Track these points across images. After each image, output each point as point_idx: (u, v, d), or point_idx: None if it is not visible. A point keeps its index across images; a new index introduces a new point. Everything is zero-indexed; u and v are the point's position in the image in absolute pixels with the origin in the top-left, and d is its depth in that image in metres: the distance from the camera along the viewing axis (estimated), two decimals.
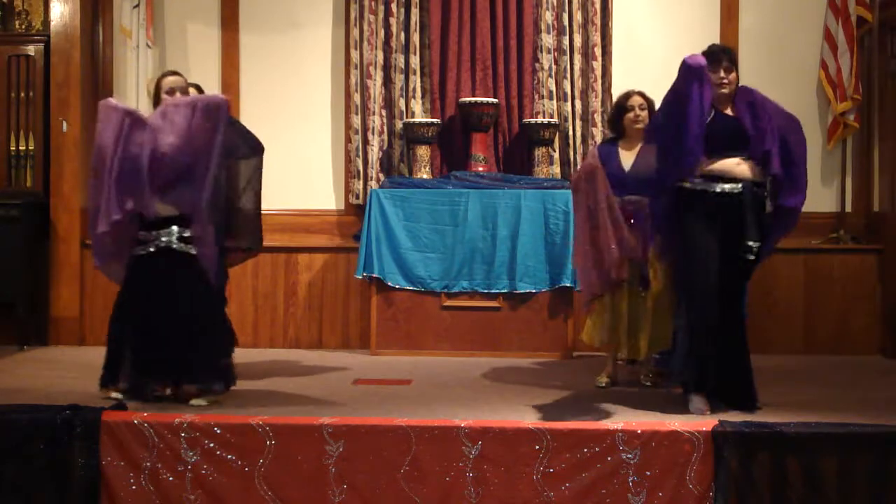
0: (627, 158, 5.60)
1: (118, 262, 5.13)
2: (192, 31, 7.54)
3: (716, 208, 4.84)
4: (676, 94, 4.77)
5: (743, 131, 4.88)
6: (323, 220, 7.48)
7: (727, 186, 4.85)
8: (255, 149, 5.79)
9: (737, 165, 4.87)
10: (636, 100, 5.66)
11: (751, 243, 4.83)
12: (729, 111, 4.96)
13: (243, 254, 5.83)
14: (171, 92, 5.08)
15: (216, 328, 5.13)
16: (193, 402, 4.98)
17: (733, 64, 4.96)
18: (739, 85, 4.98)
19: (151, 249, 5.02)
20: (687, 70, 4.71)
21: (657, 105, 5.23)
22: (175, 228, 5.01)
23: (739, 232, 4.84)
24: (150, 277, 5.02)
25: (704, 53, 4.91)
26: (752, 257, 4.85)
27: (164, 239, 5.01)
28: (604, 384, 5.64)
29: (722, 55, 4.93)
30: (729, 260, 4.86)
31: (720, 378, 4.88)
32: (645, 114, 5.60)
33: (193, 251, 5.01)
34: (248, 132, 5.78)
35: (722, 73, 4.91)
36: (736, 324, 4.95)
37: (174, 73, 5.29)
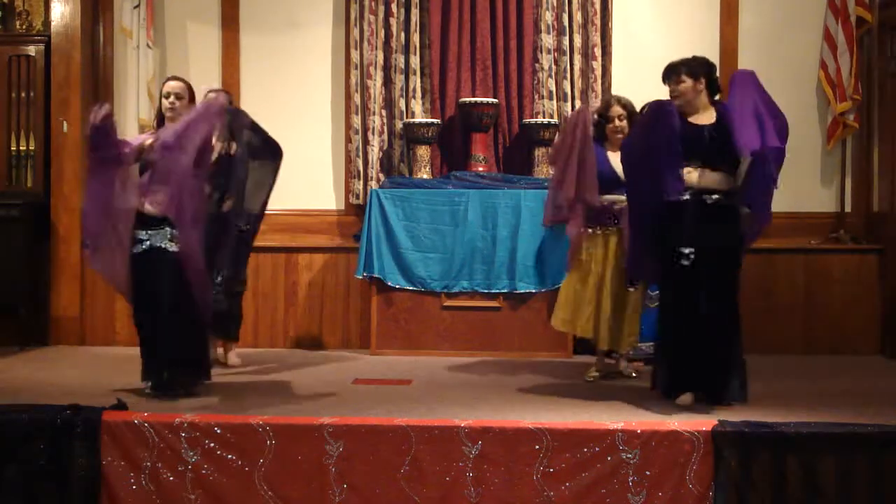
0: (614, 160, 5.63)
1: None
2: (192, 31, 7.53)
3: (671, 218, 4.89)
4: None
5: (700, 139, 4.90)
6: (323, 220, 7.48)
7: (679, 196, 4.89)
8: (275, 153, 5.88)
9: (688, 174, 4.88)
10: (615, 110, 5.75)
11: (682, 250, 4.86)
12: (703, 120, 4.99)
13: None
14: (167, 95, 5.23)
15: (193, 327, 5.20)
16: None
17: (690, 75, 4.98)
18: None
19: (145, 248, 5.11)
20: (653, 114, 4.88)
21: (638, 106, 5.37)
22: (168, 229, 5.10)
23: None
24: (142, 276, 5.11)
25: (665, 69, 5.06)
26: (685, 263, 4.85)
27: (156, 238, 5.11)
28: (592, 378, 5.84)
29: (681, 68, 5.00)
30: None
31: (698, 373, 4.94)
32: (625, 123, 5.69)
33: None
34: (268, 136, 5.86)
35: (672, 86, 5.00)
36: (711, 323, 4.90)
37: (176, 78, 5.44)
